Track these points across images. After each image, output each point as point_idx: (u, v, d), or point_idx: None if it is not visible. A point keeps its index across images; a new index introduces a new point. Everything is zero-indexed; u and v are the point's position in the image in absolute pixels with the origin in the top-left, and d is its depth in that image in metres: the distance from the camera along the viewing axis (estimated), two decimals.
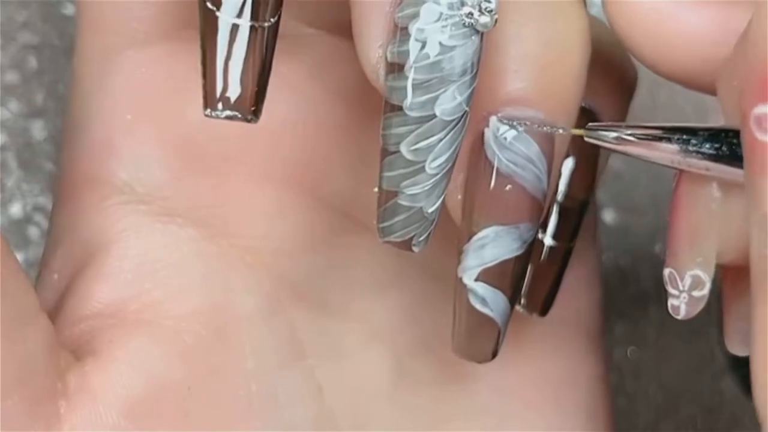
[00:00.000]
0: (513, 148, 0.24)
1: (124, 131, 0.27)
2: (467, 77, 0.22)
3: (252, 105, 0.22)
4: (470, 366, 0.27)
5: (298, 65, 0.27)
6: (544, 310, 0.28)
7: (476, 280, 0.24)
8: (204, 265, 0.27)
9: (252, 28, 0.22)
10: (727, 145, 0.23)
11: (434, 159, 0.23)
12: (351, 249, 0.28)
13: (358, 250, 0.28)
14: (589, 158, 0.28)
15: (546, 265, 0.28)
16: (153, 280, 0.26)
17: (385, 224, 0.24)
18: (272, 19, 0.22)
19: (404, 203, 0.23)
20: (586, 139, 0.24)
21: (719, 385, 0.36)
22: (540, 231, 0.27)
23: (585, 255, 0.30)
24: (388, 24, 0.23)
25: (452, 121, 0.23)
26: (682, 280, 0.24)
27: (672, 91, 0.36)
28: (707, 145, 0.23)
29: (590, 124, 0.24)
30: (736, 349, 0.25)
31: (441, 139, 0.23)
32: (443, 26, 0.22)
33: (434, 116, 0.22)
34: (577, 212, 0.28)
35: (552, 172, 0.24)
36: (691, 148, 0.23)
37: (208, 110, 0.22)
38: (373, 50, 0.23)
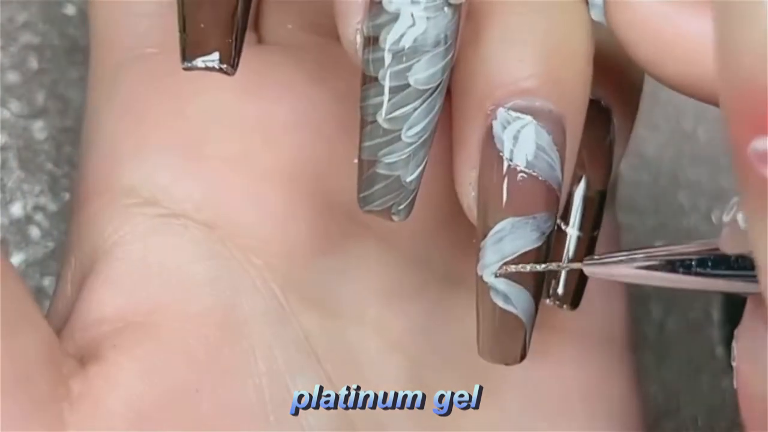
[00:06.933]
0: (523, 139, 0.24)
1: (127, 138, 0.27)
2: (440, 48, 0.23)
3: (229, 56, 0.23)
4: (493, 379, 0.27)
5: (300, 71, 0.27)
6: (575, 303, 0.27)
7: (497, 276, 0.24)
8: (210, 266, 0.27)
9: None
10: (725, 263, 0.23)
11: (410, 127, 0.23)
12: (362, 255, 0.28)
13: (369, 256, 0.28)
14: (604, 150, 0.27)
15: (573, 256, 0.27)
16: (158, 284, 0.26)
17: (365, 193, 0.24)
18: None
19: (382, 172, 0.23)
20: (586, 271, 0.24)
21: (719, 385, 0.36)
22: (563, 222, 0.27)
23: None
24: (365, 1, 0.23)
25: (427, 90, 0.23)
26: None
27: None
28: (705, 267, 0.23)
29: (588, 257, 0.24)
30: None
31: (416, 108, 0.23)
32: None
33: (408, 85, 0.23)
34: (596, 203, 0.27)
35: (567, 160, 0.24)
36: (692, 269, 0.23)
37: (186, 62, 0.23)
38: (352, 27, 0.23)
